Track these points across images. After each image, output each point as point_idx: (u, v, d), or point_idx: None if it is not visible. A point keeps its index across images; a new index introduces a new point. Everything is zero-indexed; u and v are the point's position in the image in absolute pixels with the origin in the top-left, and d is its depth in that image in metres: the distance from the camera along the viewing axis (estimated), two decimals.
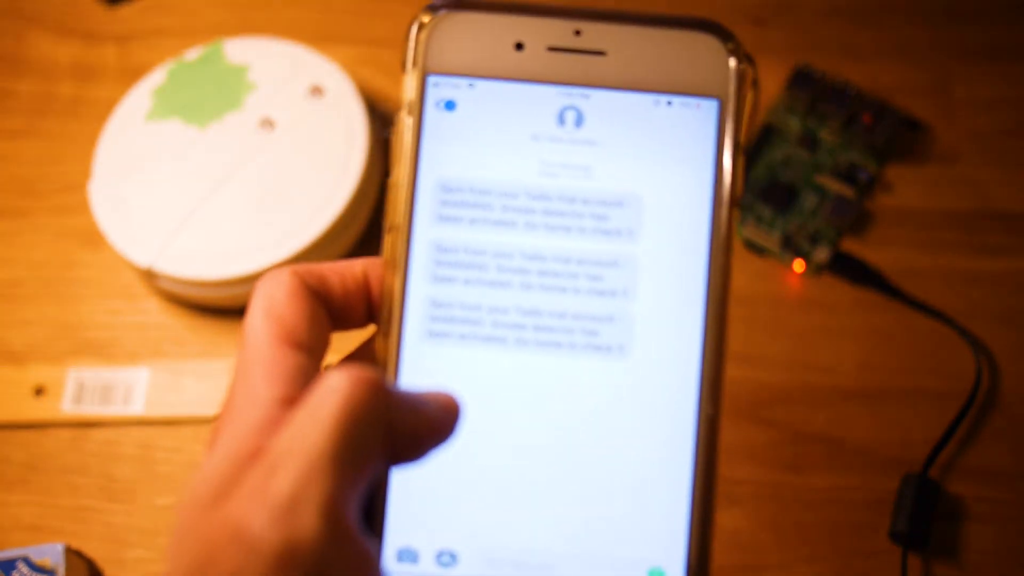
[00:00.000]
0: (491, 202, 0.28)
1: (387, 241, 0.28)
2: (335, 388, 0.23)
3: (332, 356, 0.52)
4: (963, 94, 0.58)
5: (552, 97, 0.28)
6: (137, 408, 0.50)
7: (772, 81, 0.57)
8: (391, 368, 0.27)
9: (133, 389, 0.51)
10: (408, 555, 0.27)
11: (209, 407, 0.50)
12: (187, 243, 0.51)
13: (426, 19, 0.28)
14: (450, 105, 0.28)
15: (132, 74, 0.59)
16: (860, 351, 0.51)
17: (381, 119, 0.57)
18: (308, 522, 0.21)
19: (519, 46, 0.28)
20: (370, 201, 0.54)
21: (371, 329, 0.29)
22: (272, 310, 0.26)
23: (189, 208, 0.52)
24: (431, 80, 0.28)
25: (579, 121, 0.28)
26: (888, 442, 0.49)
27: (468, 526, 0.27)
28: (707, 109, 0.28)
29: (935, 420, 0.49)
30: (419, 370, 0.27)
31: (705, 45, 0.28)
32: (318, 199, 0.51)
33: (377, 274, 0.28)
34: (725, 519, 0.47)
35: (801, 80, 0.57)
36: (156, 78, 0.56)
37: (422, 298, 0.28)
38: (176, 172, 0.53)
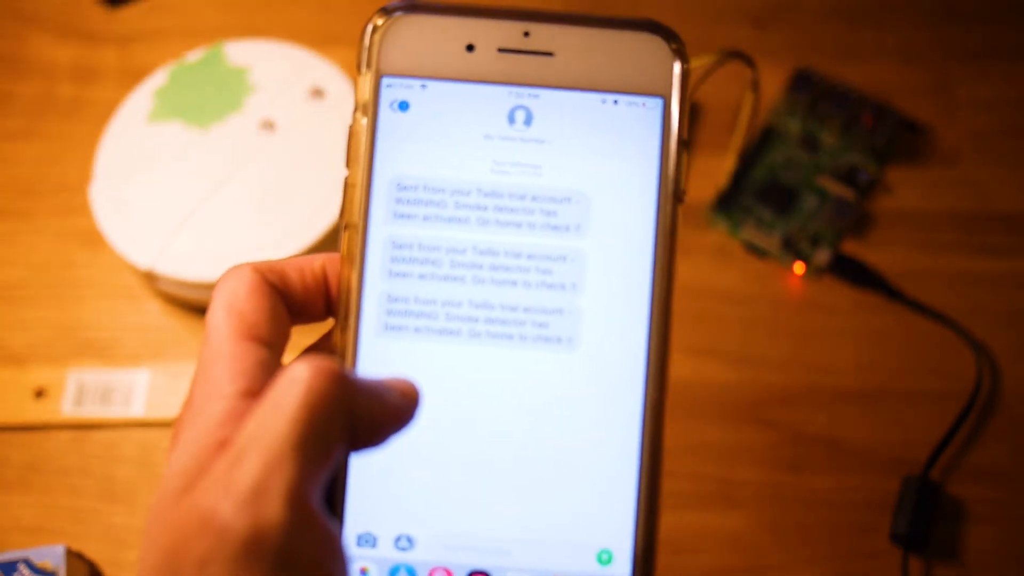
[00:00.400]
0: (444, 199, 0.29)
1: (344, 238, 0.29)
2: (297, 378, 0.23)
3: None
4: (963, 95, 0.58)
5: (503, 97, 0.29)
6: (137, 410, 0.50)
7: (772, 83, 0.57)
8: (349, 361, 0.28)
9: (133, 391, 0.51)
10: (367, 540, 0.28)
11: None
12: (187, 244, 0.51)
13: (380, 21, 0.29)
14: (404, 106, 0.29)
15: (133, 76, 0.59)
16: (860, 352, 0.51)
17: None
18: (274, 508, 0.22)
19: (470, 48, 0.29)
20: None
21: (330, 323, 0.29)
22: (233, 306, 0.27)
23: (189, 209, 0.52)
24: (385, 81, 0.29)
25: (529, 120, 0.29)
26: (888, 443, 0.49)
27: (425, 512, 0.28)
28: (652, 107, 0.29)
29: (936, 421, 0.49)
30: (376, 363, 0.28)
31: (650, 45, 0.29)
32: (318, 201, 0.51)
33: (335, 270, 0.29)
34: (725, 520, 0.47)
35: (801, 82, 0.57)
36: (157, 79, 0.56)
37: (378, 293, 0.28)
38: (177, 173, 0.53)
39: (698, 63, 0.53)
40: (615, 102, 0.29)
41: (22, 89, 0.61)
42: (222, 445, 0.24)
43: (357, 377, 0.25)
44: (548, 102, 0.29)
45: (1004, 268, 0.53)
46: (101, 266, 0.55)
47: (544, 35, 0.29)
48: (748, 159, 0.55)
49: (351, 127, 0.29)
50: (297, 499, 0.22)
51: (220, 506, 0.22)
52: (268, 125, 0.54)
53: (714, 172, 0.55)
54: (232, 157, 0.53)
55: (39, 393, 0.51)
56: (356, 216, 0.28)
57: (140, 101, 0.56)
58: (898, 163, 0.56)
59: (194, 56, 0.57)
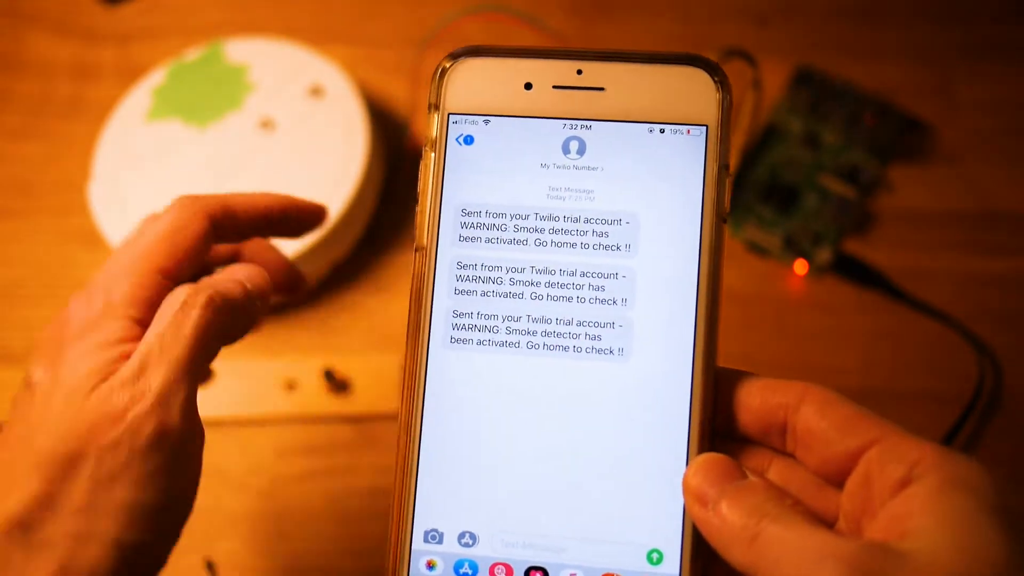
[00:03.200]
0: (505, 223, 0.31)
1: (415, 260, 0.31)
2: (194, 306, 0.31)
3: (329, 355, 0.51)
4: (965, 94, 0.57)
5: (558, 129, 0.31)
6: None
7: (774, 81, 0.57)
8: (419, 371, 0.31)
9: None
10: (434, 536, 0.30)
11: (207, 408, 0.50)
12: None
13: (447, 64, 0.32)
14: (468, 140, 0.32)
15: (131, 74, 0.59)
16: (862, 352, 0.51)
17: (381, 120, 0.57)
18: (176, 413, 0.30)
19: (528, 86, 0.32)
20: (370, 201, 0.54)
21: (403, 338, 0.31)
22: (161, 238, 0.33)
23: None
24: (452, 119, 0.32)
25: (582, 150, 0.31)
26: None
27: (487, 512, 0.30)
28: (696, 135, 0.31)
29: (938, 421, 0.48)
30: (442, 372, 0.31)
31: (694, 78, 0.31)
32: (318, 199, 0.51)
33: (279, 203, 0.37)
34: None
35: (803, 80, 0.57)
36: (156, 78, 0.56)
37: (444, 309, 0.31)
38: (176, 172, 0.53)
39: None
40: (662, 131, 0.31)
41: (21, 87, 0.60)
42: (123, 357, 0.31)
43: (231, 298, 0.32)
44: (600, 133, 0.31)
45: (1006, 268, 0.53)
46: (100, 265, 0.54)
47: (595, 72, 0.31)
48: (749, 158, 0.55)
49: (421, 161, 0.31)
50: (190, 407, 0.31)
51: (132, 407, 0.30)
52: (267, 123, 0.54)
53: None
54: (231, 155, 0.53)
55: None
56: (426, 240, 0.31)
57: (139, 99, 0.56)
58: (900, 162, 0.56)
59: (193, 54, 0.56)
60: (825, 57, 0.58)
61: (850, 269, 0.52)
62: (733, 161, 0.54)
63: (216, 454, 0.49)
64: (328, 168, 0.52)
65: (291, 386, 0.50)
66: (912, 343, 0.51)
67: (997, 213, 0.54)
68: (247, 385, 0.51)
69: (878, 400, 0.49)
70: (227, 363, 0.51)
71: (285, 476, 0.49)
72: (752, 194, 0.54)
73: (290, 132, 0.54)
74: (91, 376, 0.30)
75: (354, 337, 0.51)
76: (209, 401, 0.50)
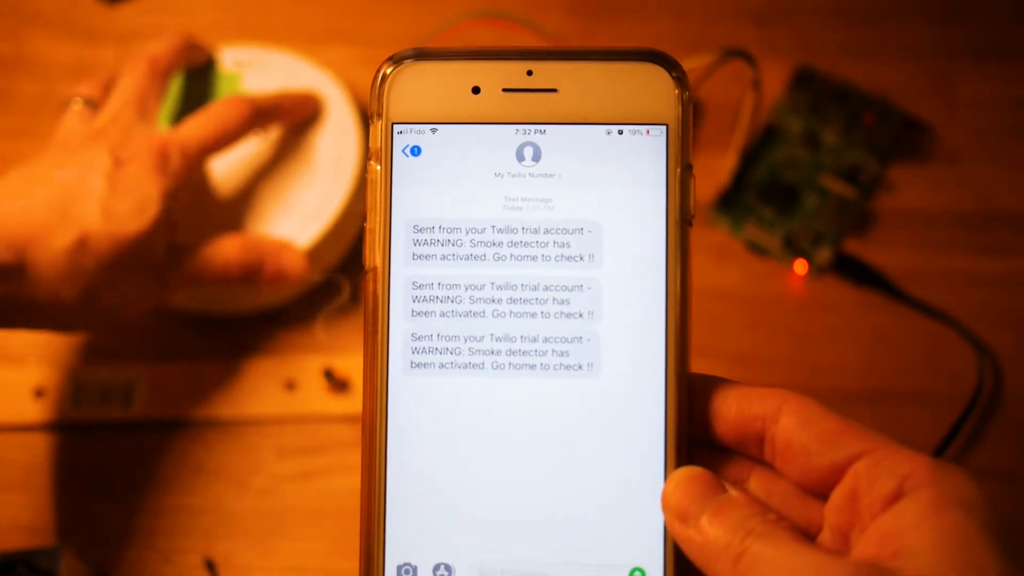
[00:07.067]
0: (460, 238, 0.30)
1: (367, 281, 0.30)
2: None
3: (329, 355, 0.51)
4: (965, 94, 0.57)
5: (510, 135, 0.30)
6: (137, 410, 0.50)
7: (774, 81, 0.57)
8: (380, 398, 0.29)
9: (132, 390, 0.51)
10: (408, 570, 0.29)
11: (208, 408, 0.50)
12: None
13: (388, 71, 0.30)
14: (415, 151, 0.30)
15: None
16: (863, 353, 0.51)
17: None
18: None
19: (476, 90, 0.30)
20: (362, 210, 0.53)
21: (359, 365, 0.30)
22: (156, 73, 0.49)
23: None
24: (396, 128, 0.30)
25: (537, 156, 0.30)
26: None
27: (461, 540, 0.29)
28: (656, 135, 0.30)
29: (938, 422, 0.48)
30: (404, 400, 0.29)
31: (651, 74, 0.30)
32: (310, 208, 0.51)
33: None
34: None
35: (803, 80, 0.57)
36: None
37: (402, 332, 0.30)
38: None
39: (699, 62, 0.53)
40: (620, 132, 0.30)
41: (22, 87, 0.60)
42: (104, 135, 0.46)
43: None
44: (555, 137, 0.30)
45: (1007, 268, 0.53)
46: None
47: (547, 72, 0.30)
48: (749, 158, 0.55)
49: (367, 175, 0.30)
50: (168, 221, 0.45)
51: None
52: (260, 131, 0.54)
53: (715, 171, 0.55)
54: (223, 163, 0.53)
55: (39, 393, 0.51)
56: (377, 260, 0.30)
57: None
58: (900, 162, 0.56)
59: None
60: (825, 57, 0.58)
61: (850, 269, 0.52)
62: (733, 161, 0.54)
63: (216, 454, 0.49)
64: (321, 177, 0.52)
65: (291, 386, 0.50)
66: (912, 343, 0.51)
67: (997, 213, 0.54)
68: (247, 385, 0.51)
69: (878, 400, 0.50)
70: (227, 363, 0.51)
71: (285, 476, 0.49)
72: (752, 194, 0.54)
73: (282, 140, 0.53)
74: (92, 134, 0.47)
75: (354, 337, 0.51)
76: (209, 401, 0.50)
